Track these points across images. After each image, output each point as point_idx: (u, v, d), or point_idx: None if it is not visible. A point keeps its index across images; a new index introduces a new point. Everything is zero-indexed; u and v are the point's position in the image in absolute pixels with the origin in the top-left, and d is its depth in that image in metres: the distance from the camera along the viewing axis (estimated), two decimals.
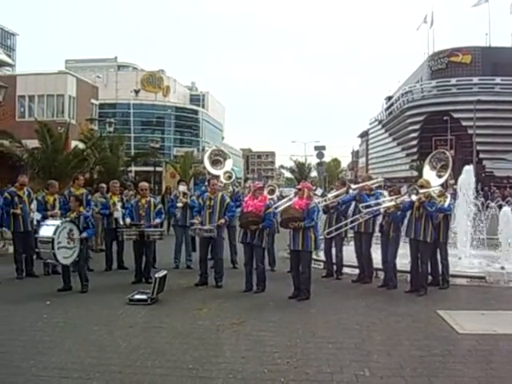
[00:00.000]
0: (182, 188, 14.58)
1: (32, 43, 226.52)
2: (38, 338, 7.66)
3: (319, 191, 14.74)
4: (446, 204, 11.69)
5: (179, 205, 14.11)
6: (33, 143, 22.43)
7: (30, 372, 6.31)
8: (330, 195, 13.06)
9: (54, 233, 10.53)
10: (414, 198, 11.00)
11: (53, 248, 10.48)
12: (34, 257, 12.97)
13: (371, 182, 13.31)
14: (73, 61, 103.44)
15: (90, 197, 14.62)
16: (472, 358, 7.01)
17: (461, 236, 14.11)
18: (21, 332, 8.00)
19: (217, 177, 13.42)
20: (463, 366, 6.70)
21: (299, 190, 10.81)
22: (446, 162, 12.43)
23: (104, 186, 16.07)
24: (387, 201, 11.74)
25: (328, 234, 12.56)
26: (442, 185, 12.27)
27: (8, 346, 7.32)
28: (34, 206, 12.89)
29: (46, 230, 10.73)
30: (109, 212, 14.06)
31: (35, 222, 12.78)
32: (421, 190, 11.05)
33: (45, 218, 12.66)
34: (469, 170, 14.65)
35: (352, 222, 12.25)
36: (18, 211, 12.50)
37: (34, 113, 36.24)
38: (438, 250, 11.65)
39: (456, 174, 14.73)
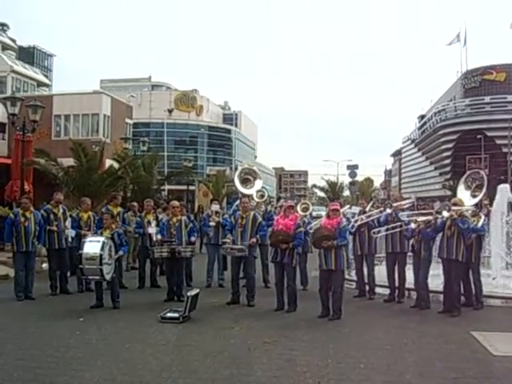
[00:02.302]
0: (215, 207, 14.66)
1: (68, 64, 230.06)
2: (72, 354, 7.74)
3: (355, 209, 14.72)
4: (480, 224, 11.60)
5: (212, 224, 14.16)
6: (68, 162, 22.68)
7: None
8: (372, 211, 13.02)
9: (102, 249, 10.74)
10: (445, 214, 10.93)
11: (100, 264, 10.67)
12: (68, 274, 13.15)
13: (404, 202, 13.35)
14: (107, 80, 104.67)
15: (125, 215, 14.78)
16: (507, 380, 6.89)
17: (495, 256, 13.90)
18: (54, 348, 8.09)
19: (249, 196, 13.44)
20: None
21: (336, 210, 10.75)
22: (480, 182, 12.33)
23: (135, 204, 16.27)
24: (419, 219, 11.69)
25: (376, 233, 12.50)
26: (476, 205, 12.15)
27: (42, 361, 7.40)
28: (68, 223, 13.08)
29: (91, 247, 10.87)
30: (143, 231, 14.20)
31: (70, 239, 12.99)
32: (453, 207, 10.98)
33: (78, 235, 12.87)
34: (503, 189, 14.44)
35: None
36: (54, 228, 12.70)
37: (70, 132, 36.64)
38: (471, 271, 11.53)
39: (490, 193, 14.56)
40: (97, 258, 10.70)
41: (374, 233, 12.43)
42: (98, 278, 10.93)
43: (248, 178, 14.43)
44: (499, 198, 14.21)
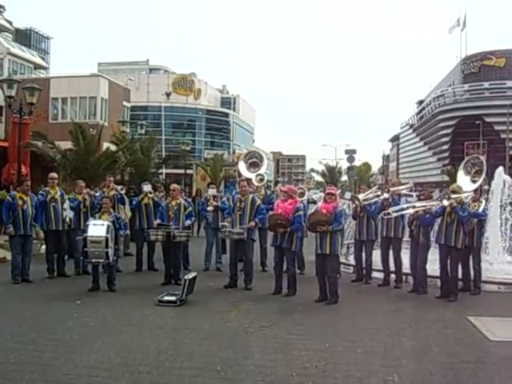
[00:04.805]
0: (212, 191, 14.63)
1: (66, 46, 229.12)
2: (69, 337, 7.74)
3: (348, 195, 14.70)
4: (481, 209, 11.60)
5: (210, 208, 14.10)
6: (65, 145, 22.62)
7: (60, 370, 6.36)
8: (360, 197, 12.89)
9: (107, 232, 10.76)
10: (445, 202, 10.89)
11: (106, 247, 10.68)
12: (66, 257, 13.13)
13: (402, 187, 13.34)
14: (105, 63, 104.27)
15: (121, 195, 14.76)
16: (504, 365, 6.89)
17: (493, 241, 13.89)
18: (51, 331, 8.10)
19: (248, 179, 13.40)
20: (495, 373, 6.60)
21: (331, 194, 10.67)
22: (480, 167, 12.30)
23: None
24: (418, 205, 11.64)
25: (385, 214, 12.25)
26: (475, 190, 12.12)
27: (39, 344, 7.40)
28: (66, 205, 13.04)
29: (96, 230, 10.86)
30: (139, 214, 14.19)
31: (68, 220, 12.98)
32: (452, 195, 10.95)
33: (76, 210, 12.87)
34: (500, 174, 14.40)
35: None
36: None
37: (67, 115, 36.54)
38: (471, 256, 11.54)
39: (488, 178, 14.53)
40: (102, 241, 10.69)
41: (384, 214, 12.21)
42: (102, 260, 10.89)
43: (255, 161, 14.56)
44: (496, 182, 14.19)
